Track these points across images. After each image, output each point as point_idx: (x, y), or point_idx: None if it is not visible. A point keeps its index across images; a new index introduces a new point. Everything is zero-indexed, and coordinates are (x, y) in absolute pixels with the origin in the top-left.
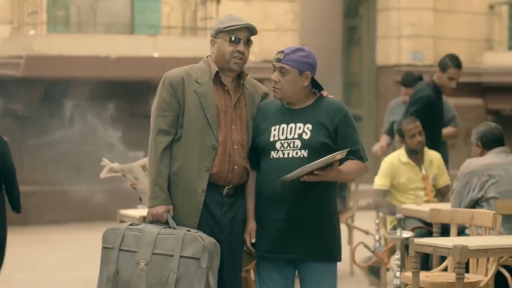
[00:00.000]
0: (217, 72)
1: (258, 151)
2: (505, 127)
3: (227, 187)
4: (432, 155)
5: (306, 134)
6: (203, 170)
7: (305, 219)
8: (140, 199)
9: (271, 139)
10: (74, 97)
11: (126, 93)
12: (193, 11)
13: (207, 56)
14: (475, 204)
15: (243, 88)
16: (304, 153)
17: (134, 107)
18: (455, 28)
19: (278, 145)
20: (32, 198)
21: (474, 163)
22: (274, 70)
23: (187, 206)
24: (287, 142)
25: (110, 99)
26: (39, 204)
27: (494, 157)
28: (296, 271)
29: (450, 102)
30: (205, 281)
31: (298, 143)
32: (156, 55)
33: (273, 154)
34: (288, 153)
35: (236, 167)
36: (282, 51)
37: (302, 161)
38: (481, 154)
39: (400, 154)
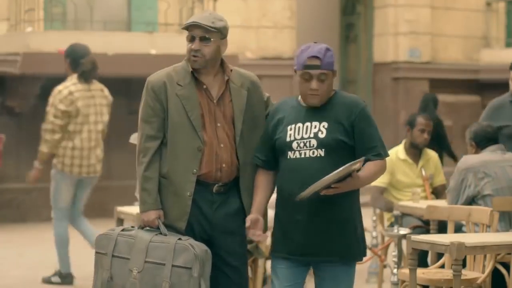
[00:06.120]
0: (192, 72)
1: (276, 151)
2: None
3: (217, 185)
4: (430, 154)
5: (322, 132)
6: (190, 173)
7: (328, 220)
8: None
9: (288, 139)
10: None
11: (123, 90)
12: (190, 8)
13: None
14: (471, 201)
15: (228, 84)
16: (321, 152)
17: (131, 104)
18: (452, 25)
19: (294, 145)
20: (30, 196)
21: (470, 160)
22: (307, 79)
23: (176, 209)
24: (303, 142)
25: None
26: (37, 202)
27: (490, 154)
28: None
29: (447, 99)
30: None
31: (314, 142)
32: (153, 52)
33: (290, 154)
34: (305, 153)
35: (224, 165)
36: (316, 57)
37: (319, 160)
38: (476, 153)
39: (398, 151)
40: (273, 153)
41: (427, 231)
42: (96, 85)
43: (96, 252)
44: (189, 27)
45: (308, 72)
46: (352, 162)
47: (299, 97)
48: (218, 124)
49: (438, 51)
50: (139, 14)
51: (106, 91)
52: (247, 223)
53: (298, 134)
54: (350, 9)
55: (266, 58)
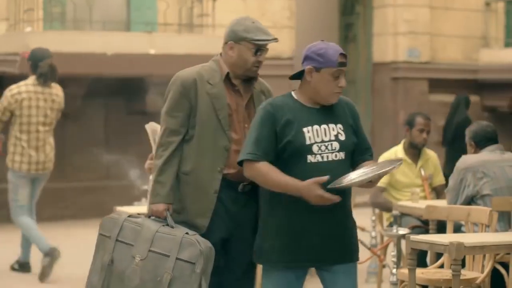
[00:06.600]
0: (227, 73)
1: (285, 152)
2: (501, 124)
3: (242, 183)
4: (429, 154)
5: (341, 135)
6: (216, 171)
7: (342, 224)
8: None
9: (308, 141)
10: (70, 94)
11: (122, 90)
12: (189, 8)
13: (219, 55)
14: (470, 201)
15: (252, 89)
16: (342, 155)
17: (130, 104)
18: (451, 25)
19: (315, 148)
20: None
21: (469, 159)
22: (337, 77)
23: (199, 205)
24: (325, 145)
25: (106, 96)
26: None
27: (489, 154)
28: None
29: (446, 99)
30: (197, 286)
31: (336, 145)
32: (152, 52)
33: (311, 158)
34: (327, 156)
35: None
36: (345, 55)
37: (341, 163)
38: (475, 153)
39: (397, 151)
40: (275, 153)
41: (426, 231)
42: (53, 89)
43: (100, 234)
44: (259, 41)
45: (341, 70)
46: (399, 162)
47: (294, 96)
48: (246, 125)
49: (437, 51)
50: (138, 14)
51: (61, 97)
52: (318, 184)
53: (318, 136)
54: (349, 9)
55: (265, 57)
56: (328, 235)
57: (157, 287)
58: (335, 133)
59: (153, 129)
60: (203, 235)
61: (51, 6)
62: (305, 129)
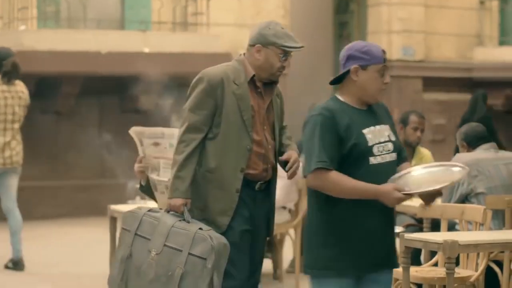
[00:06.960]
0: (253, 75)
1: (350, 156)
2: (495, 122)
3: (259, 182)
4: (423, 153)
5: (392, 136)
6: (238, 170)
7: (393, 229)
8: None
9: (370, 143)
10: (64, 93)
11: (116, 88)
12: (184, 7)
13: (241, 54)
14: (464, 199)
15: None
16: (395, 155)
17: (124, 102)
18: (445, 23)
19: (375, 150)
20: (23, 193)
21: (463, 158)
22: (383, 74)
23: (221, 204)
24: (382, 146)
25: (100, 95)
26: (30, 199)
27: (483, 152)
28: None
29: (440, 97)
30: (209, 281)
31: (390, 146)
32: (146, 50)
33: (372, 160)
34: (385, 157)
35: (269, 165)
36: (384, 51)
37: (394, 164)
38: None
39: None
40: (339, 158)
41: (420, 229)
42: (17, 87)
43: (122, 228)
44: (288, 48)
45: (386, 66)
46: (466, 170)
47: (340, 98)
48: (265, 127)
49: (432, 49)
50: (132, 12)
51: (26, 93)
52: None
53: (375, 138)
54: (344, 7)
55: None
56: (386, 240)
57: (169, 281)
58: (387, 134)
59: (138, 131)
60: (225, 233)
61: (45, 5)
62: (364, 131)
